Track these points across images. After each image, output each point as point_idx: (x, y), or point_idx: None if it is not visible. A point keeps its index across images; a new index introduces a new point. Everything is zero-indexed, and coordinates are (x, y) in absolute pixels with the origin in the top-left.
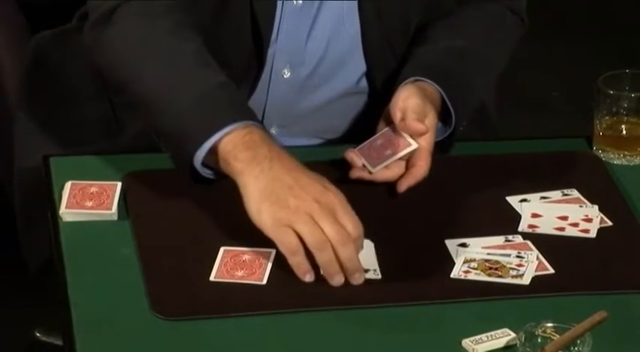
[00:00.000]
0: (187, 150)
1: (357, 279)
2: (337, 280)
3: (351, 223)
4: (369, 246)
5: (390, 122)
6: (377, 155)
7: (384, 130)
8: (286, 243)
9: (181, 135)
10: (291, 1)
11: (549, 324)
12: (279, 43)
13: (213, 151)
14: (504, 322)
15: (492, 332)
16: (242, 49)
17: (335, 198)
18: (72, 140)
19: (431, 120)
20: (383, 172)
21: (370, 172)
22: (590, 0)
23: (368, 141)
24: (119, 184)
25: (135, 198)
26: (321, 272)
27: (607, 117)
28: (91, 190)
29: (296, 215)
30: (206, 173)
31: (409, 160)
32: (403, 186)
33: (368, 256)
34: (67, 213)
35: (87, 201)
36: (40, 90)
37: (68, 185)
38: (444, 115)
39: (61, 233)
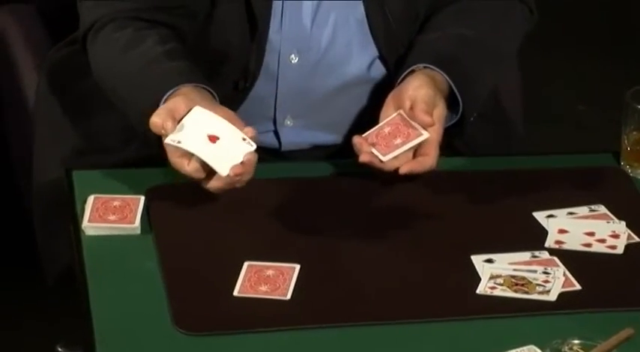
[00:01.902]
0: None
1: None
2: (213, 185)
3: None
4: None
5: (396, 109)
6: (386, 143)
7: (391, 117)
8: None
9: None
10: None
11: (576, 341)
12: (283, 29)
13: None
14: (530, 338)
15: (518, 349)
16: (241, 37)
17: None
18: (91, 149)
19: (440, 111)
20: (391, 161)
21: (381, 161)
22: (616, 14)
23: (375, 128)
24: (142, 198)
25: (158, 212)
26: None
27: (635, 133)
28: (114, 204)
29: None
30: None
31: (417, 150)
32: (406, 169)
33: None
34: (89, 226)
35: (110, 214)
36: (58, 101)
37: (91, 199)
38: (450, 103)
39: (83, 247)
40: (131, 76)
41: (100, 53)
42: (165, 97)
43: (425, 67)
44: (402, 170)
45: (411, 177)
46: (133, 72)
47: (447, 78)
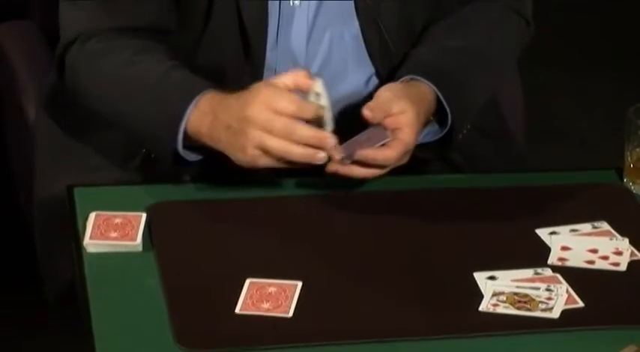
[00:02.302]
0: (167, 152)
1: (329, 143)
2: (319, 157)
3: (285, 102)
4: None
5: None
6: (353, 147)
7: (368, 129)
8: (266, 162)
9: (153, 140)
10: (287, 2)
11: None
12: (279, 46)
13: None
14: None
15: None
16: (235, 54)
17: (260, 99)
18: (93, 167)
19: (408, 116)
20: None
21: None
22: (620, 30)
23: (354, 138)
24: (144, 215)
25: (160, 229)
26: None
27: (638, 149)
28: (116, 221)
29: (252, 141)
30: (193, 157)
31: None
32: (361, 154)
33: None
34: (91, 244)
35: (111, 231)
36: (59, 117)
37: (92, 216)
38: (441, 116)
39: (84, 264)
40: (149, 82)
41: (95, 62)
42: (195, 100)
43: (412, 79)
44: (357, 154)
45: (412, 195)
46: (150, 78)
47: (435, 88)
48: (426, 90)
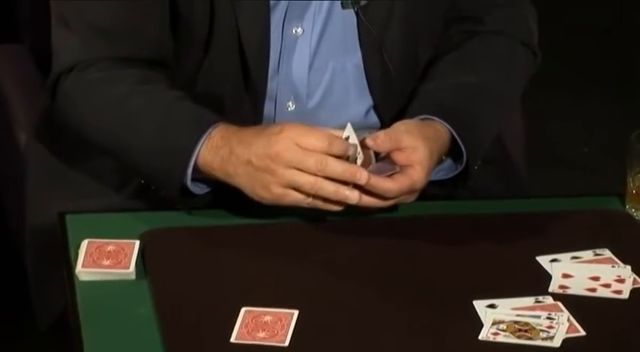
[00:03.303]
0: (174, 185)
1: (362, 178)
2: (352, 196)
3: (313, 139)
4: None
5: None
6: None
7: (378, 163)
8: (295, 200)
9: (159, 172)
10: (290, 31)
11: None
12: (280, 76)
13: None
14: None
15: None
16: (234, 83)
17: (287, 135)
18: (85, 194)
19: (420, 155)
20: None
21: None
22: (621, 56)
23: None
24: (137, 242)
25: (153, 257)
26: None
27: None
28: (108, 249)
29: (280, 179)
30: (199, 190)
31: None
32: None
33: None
34: (83, 272)
35: (104, 259)
36: (51, 143)
37: (85, 243)
38: (455, 153)
39: (77, 292)
40: (155, 113)
41: (96, 91)
42: (207, 133)
43: (425, 118)
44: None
45: (411, 221)
46: (156, 108)
47: (449, 127)
48: (440, 129)
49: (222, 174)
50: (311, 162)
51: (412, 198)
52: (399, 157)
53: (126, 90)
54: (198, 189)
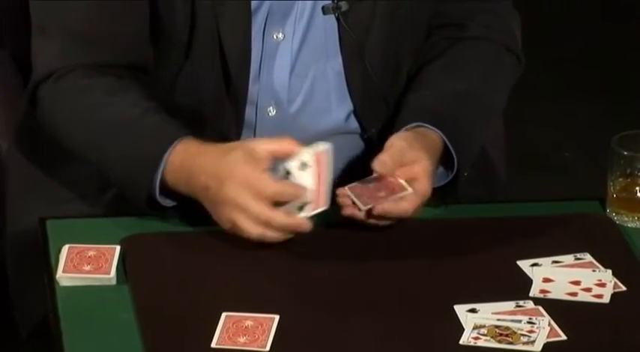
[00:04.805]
0: (141, 196)
1: (306, 228)
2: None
3: (262, 184)
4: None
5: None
6: (369, 194)
7: (378, 174)
8: (246, 236)
9: (129, 182)
10: (271, 36)
11: None
12: (261, 81)
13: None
14: None
15: None
16: (215, 88)
17: (237, 181)
18: (65, 199)
19: (422, 166)
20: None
21: (360, 210)
22: (604, 60)
23: (360, 180)
24: (118, 248)
25: (134, 262)
26: None
27: (621, 179)
28: (89, 254)
29: (229, 218)
30: (167, 203)
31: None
32: (380, 208)
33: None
34: (64, 277)
35: (85, 265)
36: (31, 149)
37: (65, 249)
38: (445, 161)
39: (58, 298)
40: (123, 123)
41: (69, 101)
42: (171, 147)
43: (417, 126)
44: (377, 209)
45: (393, 226)
46: (124, 122)
47: (443, 136)
48: (435, 137)
49: (190, 194)
50: (255, 211)
51: (420, 210)
52: (402, 172)
53: (95, 101)
54: (168, 201)
